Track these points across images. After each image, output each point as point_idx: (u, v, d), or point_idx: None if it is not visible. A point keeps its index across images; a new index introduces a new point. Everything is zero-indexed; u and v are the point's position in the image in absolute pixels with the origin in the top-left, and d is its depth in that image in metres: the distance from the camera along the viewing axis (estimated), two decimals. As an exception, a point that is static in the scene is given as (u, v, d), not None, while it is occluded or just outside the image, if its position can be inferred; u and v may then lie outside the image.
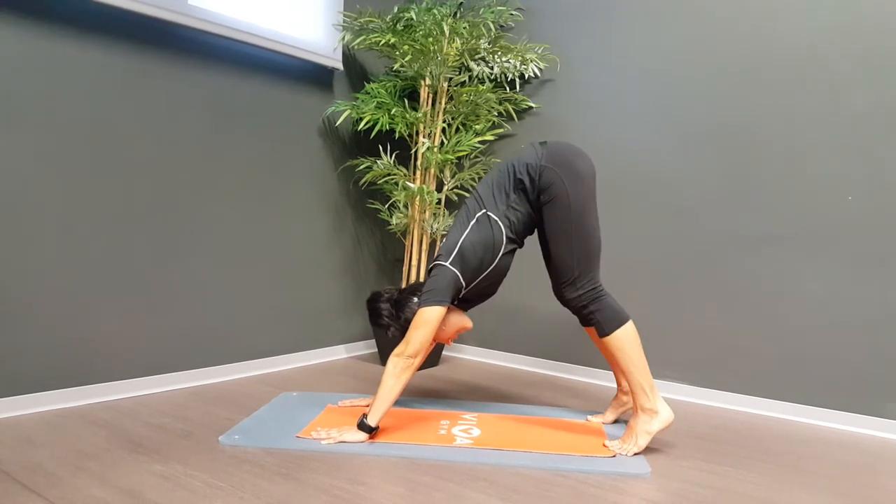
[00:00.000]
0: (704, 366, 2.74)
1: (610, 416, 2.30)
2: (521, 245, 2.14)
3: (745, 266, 2.64)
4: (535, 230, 2.16)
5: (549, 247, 2.06)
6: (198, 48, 2.60)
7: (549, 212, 2.02)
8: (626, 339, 1.99)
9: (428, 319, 1.97)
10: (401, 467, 1.81)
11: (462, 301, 2.22)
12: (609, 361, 2.28)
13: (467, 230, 2.04)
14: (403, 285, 3.18)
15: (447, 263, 2.01)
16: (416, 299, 2.12)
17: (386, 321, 2.18)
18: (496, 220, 2.04)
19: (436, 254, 2.08)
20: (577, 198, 1.99)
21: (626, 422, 2.29)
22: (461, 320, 2.20)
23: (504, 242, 2.05)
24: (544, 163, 2.00)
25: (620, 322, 2.00)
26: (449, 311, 2.15)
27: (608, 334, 2.00)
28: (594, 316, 2.02)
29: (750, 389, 2.64)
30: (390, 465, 1.83)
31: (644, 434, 1.97)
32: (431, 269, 2.05)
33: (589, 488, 1.73)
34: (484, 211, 2.05)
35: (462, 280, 2.02)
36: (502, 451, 1.95)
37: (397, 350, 1.98)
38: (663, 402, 2.00)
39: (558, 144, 2.06)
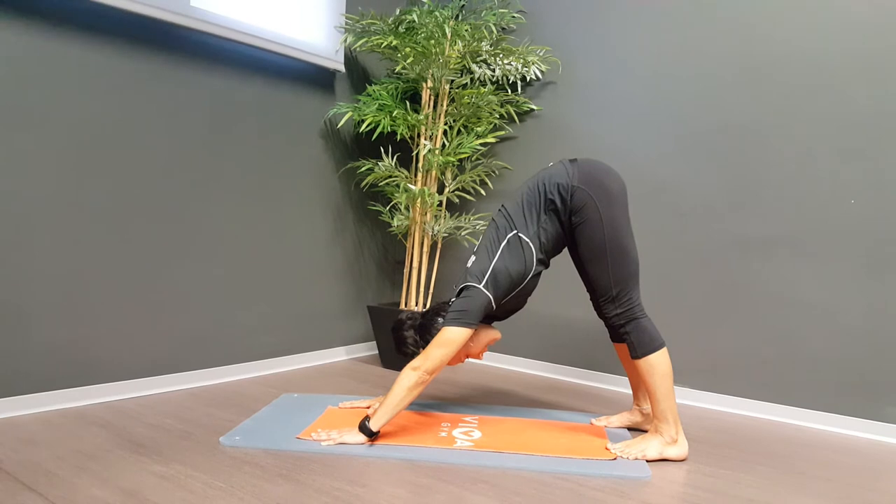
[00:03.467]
0: (705, 369, 2.74)
1: (616, 420, 2.30)
2: (547, 266, 2.12)
3: (746, 269, 2.64)
4: (563, 249, 2.15)
5: (585, 267, 2.06)
6: (199, 49, 2.61)
7: (582, 233, 2.00)
8: (657, 365, 1.97)
9: (453, 339, 1.95)
10: (401, 469, 1.81)
11: (486, 318, 2.19)
12: (630, 379, 2.30)
13: (499, 252, 2.01)
14: (405, 287, 3.18)
15: (481, 286, 1.98)
16: (440, 320, 2.08)
17: (411, 350, 2.15)
18: (527, 242, 2.02)
19: (465, 273, 2.04)
20: (610, 218, 1.98)
21: (630, 429, 2.29)
22: (490, 333, 2.19)
23: (535, 265, 2.04)
24: (576, 183, 1.98)
25: (655, 347, 1.98)
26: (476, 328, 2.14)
27: (640, 357, 1.99)
28: (629, 336, 2.01)
29: (750, 393, 2.64)
30: (391, 466, 1.83)
31: (655, 451, 1.97)
32: (462, 289, 2.02)
33: (589, 491, 1.72)
34: (515, 232, 2.02)
35: (493, 303, 2.01)
36: (503, 453, 1.95)
37: (415, 363, 1.95)
38: (683, 435, 2.01)
39: (589, 163, 2.05)
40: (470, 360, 3.42)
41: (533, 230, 2.03)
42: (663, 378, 1.97)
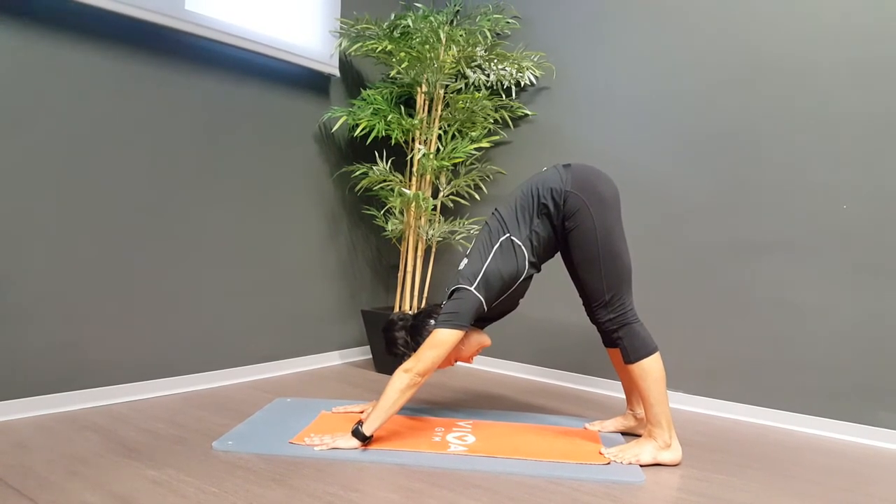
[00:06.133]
0: (698, 374, 2.75)
1: (610, 425, 2.30)
2: (539, 270, 2.12)
3: (738, 274, 2.65)
4: (556, 253, 2.15)
5: (577, 272, 2.06)
6: (194, 53, 2.61)
7: (575, 238, 2.01)
8: (650, 370, 1.97)
9: (444, 341, 1.95)
10: (395, 474, 1.81)
11: (478, 320, 2.19)
12: (623, 384, 2.30)
13: (491, 255, 2.01)
14: (399, 291, 3.18)
15: (472, 288, 1.98)
16: (432, 321, 2.07)
17: (401, 350, 2.15)
18: (520, 245, 2.02)
19: (457, 276, 2.05)
20: (603, 223, 1.98)
21: (624, 433, 2.29)
22: (480, 338, 2.19)
23: (527, 268, 2.04)
24: (569, 188, 1.99)
25: (648, 352, 1.98)
26: (467, 331, 2.14)
27: (633, 362, 1.99)
28: (622, 342, 2.01)
29: (743, 397, 2.64)
30: (384, 471, 1.83)
31: (649, 455, 1.97)
32: (454, 291, 2.02)
33: (583, 496, 1.73)
34: (507, 235, 2.03)
35: (484, 305, 2.01)
36: (497, 458, 1.95)
37: (406, 365, 1.95)
38: (677, 440, 2.02)
39: (582, 168, 2.05)
40: (463, 364, 3.42)
41: (525, 234, 2.03)
42: (656, 383, 1.97)
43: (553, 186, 2.01)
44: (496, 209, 2.12)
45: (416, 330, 2.12)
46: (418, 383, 1.95)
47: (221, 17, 2.62)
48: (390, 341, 2.19)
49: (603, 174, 2.06)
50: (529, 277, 2.09)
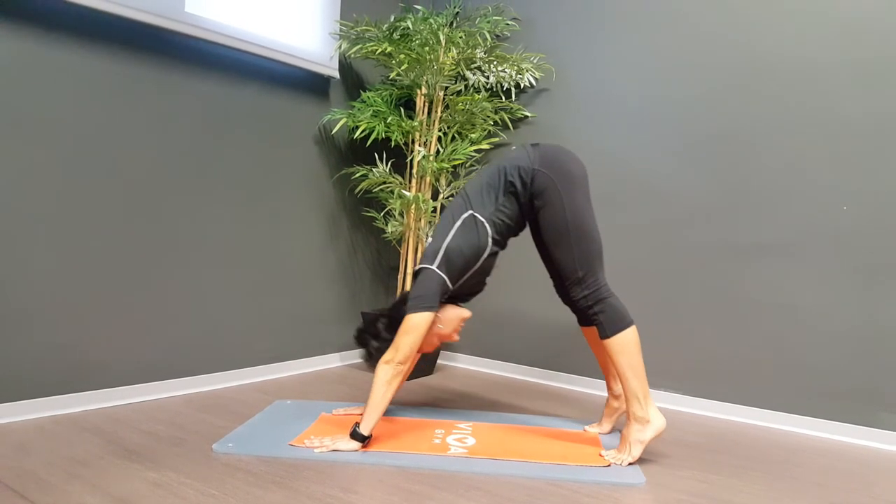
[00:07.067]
0: (698, 375, 2.75)
1: (606, 425, 2.30)
2: (503, 247, 2.12)
3: (738, 276, 2.65)
4: (521, 231, 2.15)
5: (549, 251, 2.06)
6: (194, 55, 2.61)
7: (544, 216, 2.01)
8: (627, 343, 1.97)
9: (417, 325, 1.96)
10: (394, 476, 1.81)
11: (450, 299, 2.18)
12: (602, 366, 2.29)
13: (452, 232, 2.02)
14: (399, 293, 3.17)
15: (433, 266, 1.99)
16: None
17: (375, 353, 2.09)
18: (482, 222, 2.02)
19: (421, 256, 2.06)
20: (572, 201, 1.99)
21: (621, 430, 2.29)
22: (459, 313, 2.18)
23: (489, 245, 2.04)
24: (537, 167, 2.00)
25: (624, 325, 1.98)
26: (443, 307, 2.12)
27: (609, 336, 1.98)
28: (598, 317, 2.00)
29: (743, 399, 2.64)
30: (384, 473, 1.83)
31: (637, 444, 1.97)
32: (417, 272, 2.03)
33: (583, 498, 1.73)
34: (470, 212, 2.03)
35: (449, 283, 2.01)
36: (497, 460, 1.95)
37: (386, 357, 1.97)
38: (656, 409, 1.99)
39: (550, 147, 2.06)
40: (463, 365, 3.42)
41: (490, 210, 2.04)
42: (632, 355, 1.96)
43: (521, 165, 2.02)
44: (463, 187, 2.12)
45: (394, 323, 2.05)
46: (402, 371, 1.96)
47: (221, 19, 2.62)
48: (366, 348, 2.14)
49: (572, 153, 2.07)
50: (494, 254, 2.09)
